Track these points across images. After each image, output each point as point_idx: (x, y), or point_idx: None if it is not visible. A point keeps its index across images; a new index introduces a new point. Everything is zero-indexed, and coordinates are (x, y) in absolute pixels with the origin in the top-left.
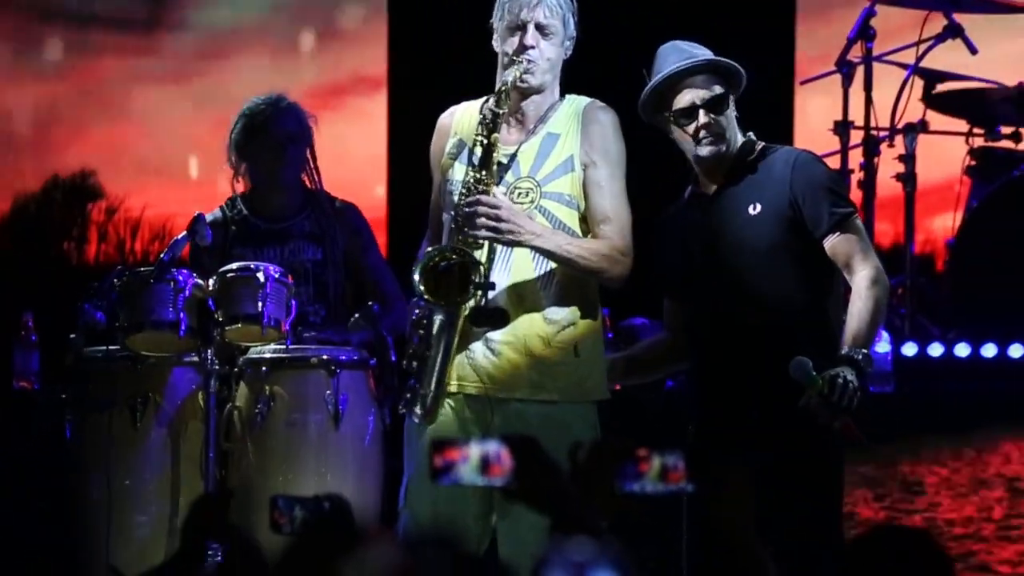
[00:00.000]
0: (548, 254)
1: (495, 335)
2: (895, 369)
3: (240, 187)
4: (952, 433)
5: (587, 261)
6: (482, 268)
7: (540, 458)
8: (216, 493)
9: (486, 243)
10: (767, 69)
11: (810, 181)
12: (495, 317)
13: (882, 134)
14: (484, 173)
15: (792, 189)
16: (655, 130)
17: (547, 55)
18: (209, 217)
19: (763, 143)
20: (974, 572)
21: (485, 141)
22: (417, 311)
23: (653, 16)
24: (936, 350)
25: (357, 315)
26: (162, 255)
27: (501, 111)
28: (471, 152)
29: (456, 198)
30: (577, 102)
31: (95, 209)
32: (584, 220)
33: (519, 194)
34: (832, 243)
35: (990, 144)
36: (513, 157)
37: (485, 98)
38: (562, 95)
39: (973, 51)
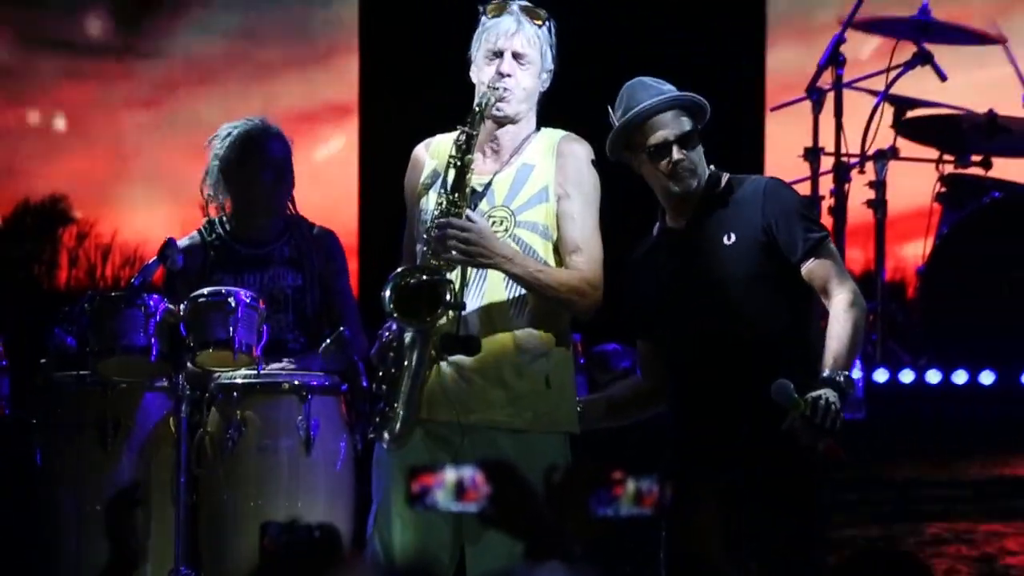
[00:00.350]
0: (518, 279)
1: (466, 362)
2: (866, 395)
3: (214, 211)
4: (924, 459)
5: (556, 290)
6: (452, 287)
7: (514, 484)
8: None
9: (458, 267)
10: (737, 95)
11: (782, 208)
12: (467, 344)
13: (852, 161)
14: (456, 195)
15: (765, 216)
16: (622, 165)
17: (523, 84)
18: (186, 241)
19: (728, 174)
20: None
21: (458, 163)
22: (387, 334)
23: (625, 44)
24: (907, 376)
25: (328, 340)
26: (133, 280)
27: (474, 132)
28: (444, 177)
29: (429, 222)
30: (552, 135)
31: (66, 234)
32: (557, 251)
33: (494, 223)
34: (808, 268)
35: (960, 171)
36: (488, 186)
37: (460, 129)
38: (538, 127)
39: (943, 78)
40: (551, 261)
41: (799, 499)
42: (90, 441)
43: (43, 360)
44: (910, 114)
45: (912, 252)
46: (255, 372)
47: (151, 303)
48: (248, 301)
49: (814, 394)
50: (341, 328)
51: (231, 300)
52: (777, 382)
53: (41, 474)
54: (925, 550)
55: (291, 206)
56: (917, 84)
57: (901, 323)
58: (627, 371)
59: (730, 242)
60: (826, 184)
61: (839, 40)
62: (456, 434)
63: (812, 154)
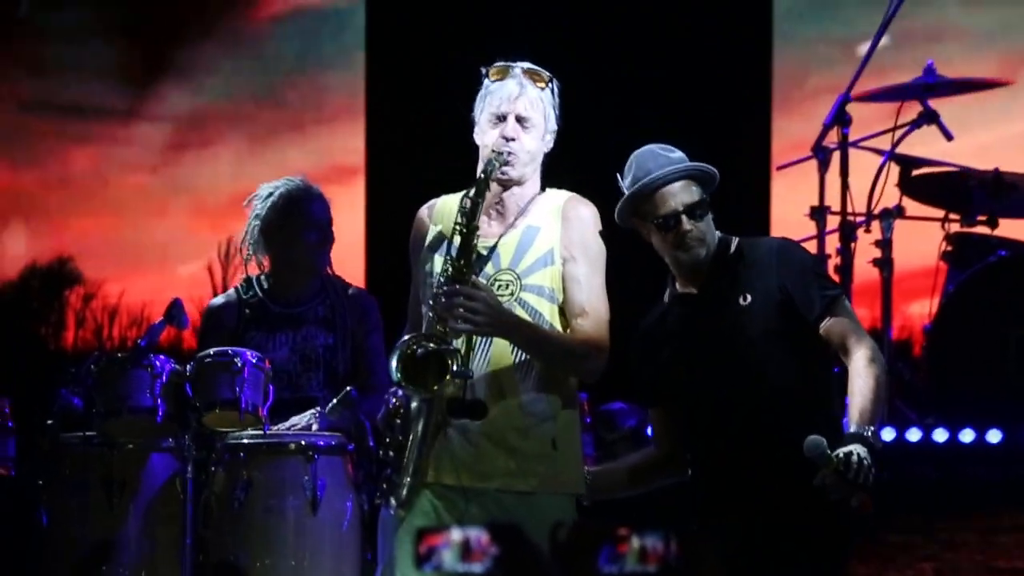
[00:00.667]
0: (525, 347)
1: (473, 426)
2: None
3: (252, 269)
4: (931, 518)
5: (562, 356)
6: (459, 356)
7: (520, 544)
8: None
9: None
10: (744, 154)
11: (796, 267)
12: (473, 409)
13: (859, 219)
14: (462, 262)
15: (780, 276)
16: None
17: (527, 147)
18: (222, 299)
19: (736, 238)
20: None
21: (464, 230)
22: (394, 400)
23: (632, 103)
24: (914, 435)
25: (336, 400)
26: (139, 341)
27: (480, 200)
28: (450, 242)
29: (435, 288)
30: (558, 196)
31: (72, 295)
32: (564, 313)
33: (499, 286)
34: (826, 326)
35: (966, 230)
36: (493, 249)
37: (465, 191)
38: (543, 187)
39: (949, 137)
40: (557, 324)
41: (831, 556)
42: (96, 501)
43: (49, 421)
44: (916, 173)
45: (918, 311)
46: (261, 432)
47: (157, 364)
48: (255, 361)
49: (844, 450)
50: (348, 388)
51: (237, 360)
52: (810, 438)
53: (47, 535)
54: None
55: (330, 266)
56: (923, 143)
57: (908, 381)
58: (633, 429)
59: (746, 303)
60: (832, 243)
61: (845, 100)
62: (462, 497)
63: (818, 213)
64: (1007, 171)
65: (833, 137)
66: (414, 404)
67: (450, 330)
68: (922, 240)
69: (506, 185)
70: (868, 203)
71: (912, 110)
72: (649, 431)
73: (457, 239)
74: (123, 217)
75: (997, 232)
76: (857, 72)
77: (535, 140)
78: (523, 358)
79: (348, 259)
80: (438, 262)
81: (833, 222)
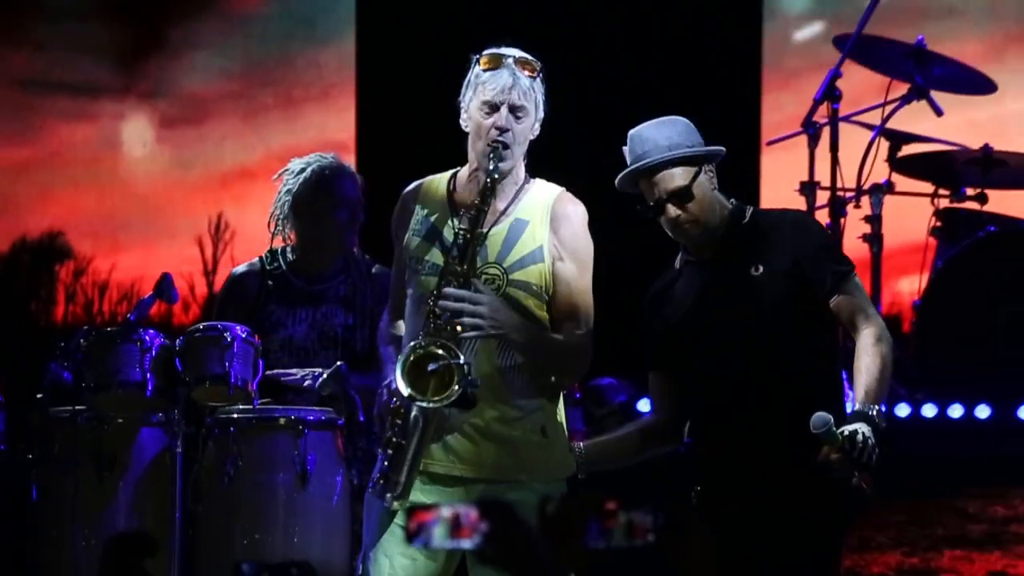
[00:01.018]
0: (522, 348)
1: (464, 418)
2: None
3: (278, 242)
4: (919, 494)
5: (555, 357)
6: (466, 369)
7: (511, 520)
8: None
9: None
10: (733, 129)
11: (811, 241)
12: (463, 400)
13: (848, 195)
14: (466, 266)
15: (794, 249)
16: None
17: (519, 139)
18: (245, 267)
19: (751, 207)
20: None
21: (468, 236)
22: (386, 393)
23: (621, 79)
24: (903, 411)
25: (326, 374)
26: (129, 315)
27: (486, 208)
28: (455, 243)
29: (424, 280)
30: (548, 191)
31: (63, 270)
32: (548, 310)
33: (485, 280)
34: (836, 302)
35: (955, 205)
36: (482, 240)
37: (452, 172)
38: (531, 176)
39: (939, 113)
40: (544, 320)
41: (827, 533)
42: (86, 476)
43: (39, 395)
44: (905, 149)
45: (908, 287)
46: (251, 407)
47: (147, 338)
48: (244, 336)
49: (850, 428)
50: (339, 363)
51: (227, 335)
52: (818, 414)
53: (37, 509)
54: None
55: (356, 245)
56: (913, 118)
57: (897, 357)
58: (623, 404)
59: (758, 273)
60: (822, 218)
61: (835, 75)
62: (453, 487)
63: (808, 188)
64: (997, 148)
65: (823, 112)
66: (415, 409)
67: (454, 334)
68: (911, 216)
69: (497, 180)
70: (858, 178)
71: (902, 85)
72: (642, 406)
73: (460, 242)
74: (114, 193)
75: (986, 208)
76: (848, 46)
77: (526, 129)
78: (509, 359)
79: None
80: (424, 248)
81: (823, 197)
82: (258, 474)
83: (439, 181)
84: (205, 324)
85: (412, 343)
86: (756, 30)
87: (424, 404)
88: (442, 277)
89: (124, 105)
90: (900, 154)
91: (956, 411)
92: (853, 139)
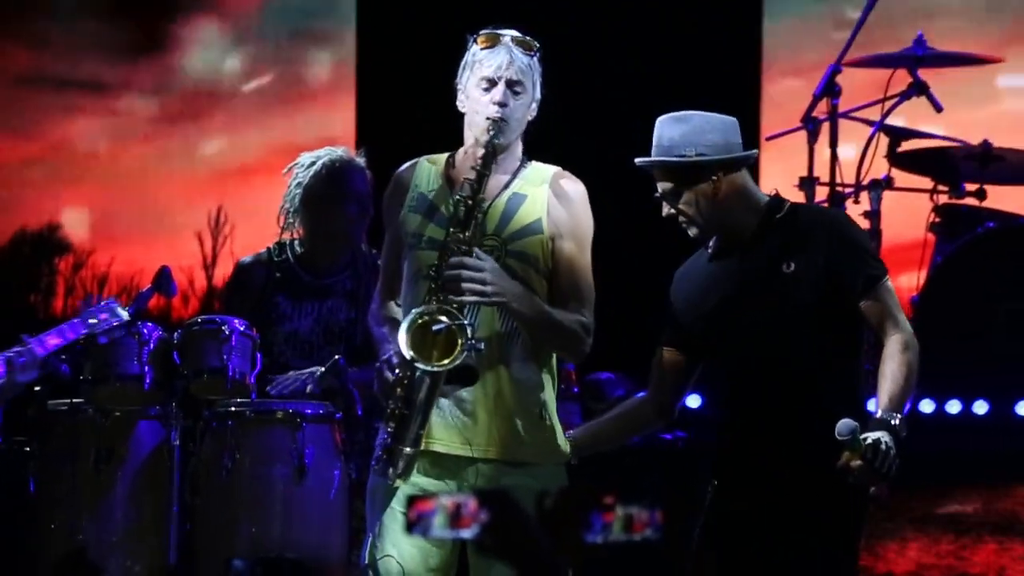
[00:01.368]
0: (526, 319)
1: (465, 394)
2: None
3: (287, 235)
4: (916, 490)
5: (558, 332)
6: (470, 331)
7: (511, 510)
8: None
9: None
10: None
11: (845, 242)
12: (464, 375)
13: (847, 191)
14: (467, 234)
15: (829, 249)
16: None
17: (516, 115)
18: (252, 258)
19: (790, 201)
20: None
21: (470, 202)
22: (386, 368)
23: (621, 73)
24: None
25: (324, 369)
26: (128, 308)
27: (487, 173)
28: (455, 214)
29: (421, 254)
30: (545, 169)
31: (62, 262)
32: (548, 283)
33: (484, 251)
34: (866, 305)
35: (955, 201)
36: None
37: (449, 154)
38: (528, 157)
39: (938, 108)
40: (542, 292)
41: (842, 537)
42: (84, 469)
43: (37, 388)
44: (905, 145)
45: (906, 282)
46: (249, 400)
47: (145, 331)
48: (242, 329)
49: (873, 436)
50: (336, 357)
51: (225, 328)
52: (844, 421)
53: (35, 502)
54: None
55: (364, 240)
56: (912, 114)
57: None
58: (621, 399)
59: (790, 270)
60: None
61: (834, 71)
62: (457, 466)
63: (807, 184)
64: (996, 144)
65: (823, 108)
66: (417, 376)
67: (457, 303)
68: (910, 211)
69: (497, 150)
70: (857, 174)
71: (902, 81)
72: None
73: (462, 210)
74: (114, 187)
75: (985, 204)
76: (848, 42)
77: (524, 107)
78: (510, 325)
79: None
80: (420, 222)
81: (822, 193)
82: (256, 467)
83: (436, 160)
84: (203, 317)
85: (415, 310)
86: (756, 25)
87: (428, 368)
88: (443, 248)
89: (123, 100)
90: (899, 150)
91: (954, 407)
92: (853, 135)
